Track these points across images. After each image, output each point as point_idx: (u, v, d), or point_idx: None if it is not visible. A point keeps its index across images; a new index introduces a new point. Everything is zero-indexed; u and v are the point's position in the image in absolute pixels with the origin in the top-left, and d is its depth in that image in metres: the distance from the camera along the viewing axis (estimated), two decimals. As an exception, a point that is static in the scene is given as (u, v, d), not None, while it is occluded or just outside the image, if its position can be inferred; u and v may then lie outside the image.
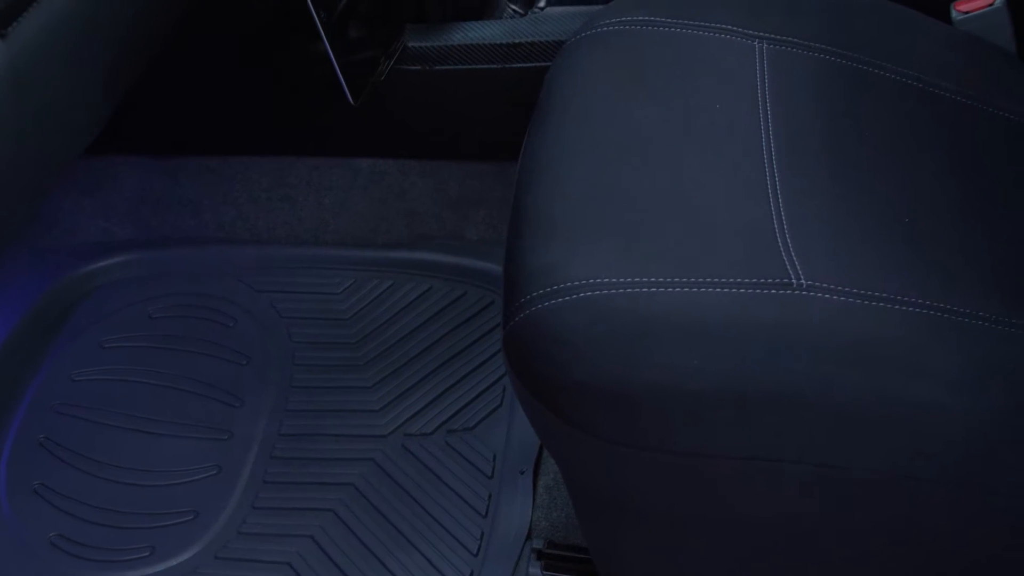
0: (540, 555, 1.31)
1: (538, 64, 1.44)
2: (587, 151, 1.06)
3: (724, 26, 1.20)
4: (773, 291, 0.89)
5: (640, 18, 1.22)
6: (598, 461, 0.94)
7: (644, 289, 0.89)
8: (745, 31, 1.19)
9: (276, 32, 1.57)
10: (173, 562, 1.36)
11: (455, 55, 1.47)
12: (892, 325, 0.89)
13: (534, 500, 1.35)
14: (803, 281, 0.90)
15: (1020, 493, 0.90)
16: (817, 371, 0.86)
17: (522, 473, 1.36)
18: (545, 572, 1.30)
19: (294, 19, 1.40)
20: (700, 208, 0.98)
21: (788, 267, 0.91)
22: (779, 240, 0.94)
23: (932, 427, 0.87)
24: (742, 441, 0.88)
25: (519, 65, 1.46)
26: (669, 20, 1.21)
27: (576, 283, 0.90)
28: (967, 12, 1.34)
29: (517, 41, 1.45)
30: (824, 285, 0.90)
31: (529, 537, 1.33)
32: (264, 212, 1.70)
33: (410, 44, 1.48)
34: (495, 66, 1.47)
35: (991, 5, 1.33)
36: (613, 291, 0.89)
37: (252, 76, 1.62)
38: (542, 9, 1.49)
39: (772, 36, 1.19)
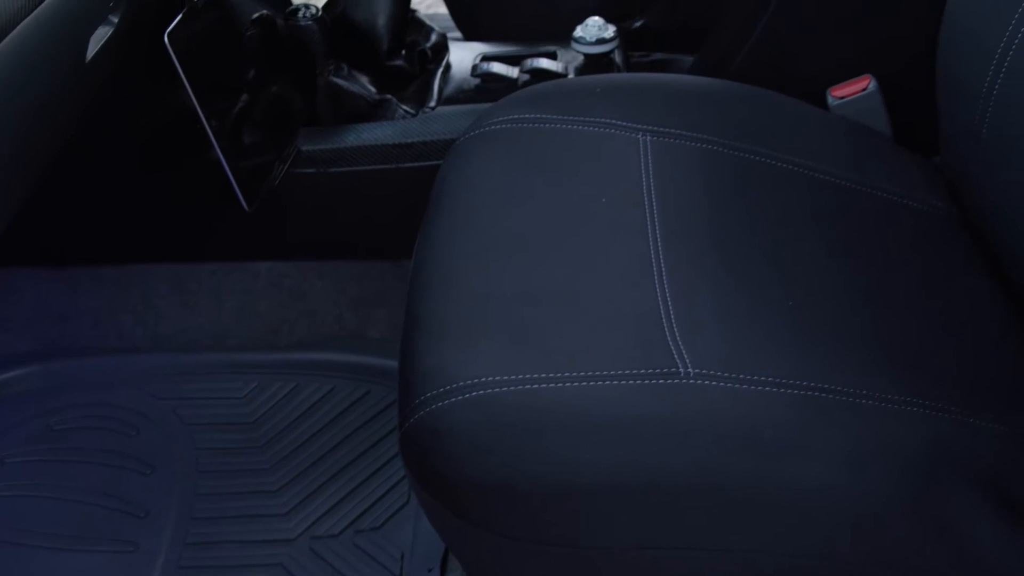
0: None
1: (430, 163, 1.46)
2: (477, 250, 1.08)
3: (608, 120, 1.23)
4: (661, 381, 0.91)
5: (527, 116, 1.25)
6: (497, 557, 0.94)
7: (534, 385, 0.90)
8: (629, 125, 1.23)
9: (171, 139, 1.57)
10: None
11: (349, 157, 1.49)
12: (778, 409, 0.90)
13: (443, 597, 1.35)
14: (690, 370, 0.92)
15: (913, 569, 0.91)
16: (706, 459, 0.87)
17: (429, 571, 1.35)
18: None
19: (188, 125, 1.40)
20: (589, 301, 0.99)
21: (676, 357, 0.93)
22: (666, 330, 0.96)
23: (822, 508, 0.88)
24: (637, 531, 0.89)
25: (412, 165, 1.48)
26: (555, 117, 1.24)
27: (468, 382, 0.91)
28: (842, 97, 1.39)
29: (409, 141, 1.47)
30: (711, 373, 0.92)
31: (440, 634, 1.33)
32: (164, 319, 1.69)
33: (304, 148, 1.50)
34: (388, 166, 1.48)
35: (865, 90, 1.38)
36: (504, 388, 0.90)
37: (148, 183, 1.62)
38: (433, 109, 1.51)
39: (655, 128, 1.22)
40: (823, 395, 0.92)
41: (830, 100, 1.39)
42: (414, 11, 1.62)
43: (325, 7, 1.57)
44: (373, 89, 1.53)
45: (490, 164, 1.20)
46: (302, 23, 1.48)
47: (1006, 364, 1.05)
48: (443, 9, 1.91)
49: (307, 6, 1.50)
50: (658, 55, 1.68)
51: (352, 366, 1.60)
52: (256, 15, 1.48)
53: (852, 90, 1.38)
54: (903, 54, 1.41)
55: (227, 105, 1.41)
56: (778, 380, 0.92)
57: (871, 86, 1.38)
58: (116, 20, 1.22)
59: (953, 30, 1.23)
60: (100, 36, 1.20)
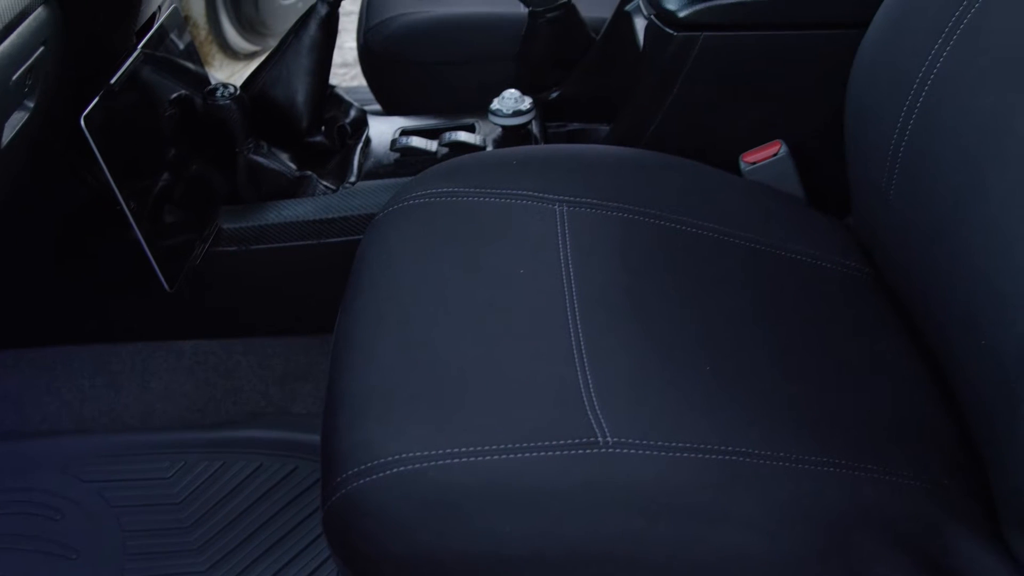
0: None
1: (351, 238, 1.47)
2: (397, 325, 1.08)
3: (525, 192, 1.24)
4: (580, 451, 0.91)
5: (445, 189, 1.26)
6: (424, 633, 0.94)
7: (455, 460, 0.91)
8: (545, 196, 1.24)
9: (90, 220, 1.57)
10: None
11: (270, 234, 1.49)
12: (696, 475, 0.92)
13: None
14: (609, 439, 0.92)
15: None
16: (627, 528, 0.88)
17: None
18: None
19: (107, 206, 1.40)
20: (508, 374, 1.00)
21: (594, 426, 0.94)
22: (585, 400, 0.97)
23: (744, 573, 0.89)
24: (562, 602, 0.89)
25: (333, 240, 1.49)
26: (472, 190, 1.25)
27: (388, 459, 0.91)
28: (754, 163, 1.41)
29: (330, 217, 1.48)
30: (630, 441, 0.92)
31: None
32: (88, 400, 1.67)
33: (225, 226, 1.50)
34: (310, 242, 1.49)
35: (776, 155, 1.41)
36: (425, 464, 0.90)
37: (69, 264, 1.62)
38: (353, 184, 1.52)
39: (571, 199, 1.24)
40: (741, 459, 0.93)
41: (743, 166, 1.42)
42: (333, 87, 1.64)
43: (244, 85, 1.58)
44: (293, 166, 1.53)
45: (409, 238, 1.21)
46: (220, 102, 1.48)
47: (921, 420, 1.07)
48: (363, 81, 1.94)
49: (225, 85, 1.51)
50: (575, 125, 1.70)
51: (279, 442, 1.59)
52: (174, 95, 1.49)
53: (763, 155, 1.41)
54: (812, 120, 1.44)
55: (147, 185, 1.41)
56: (696, 445, 0.93)
57: (782, 151, 1.41)
58: (31, 105, 1.22)
59: (858, 95, 1.27)
60: (15, 121, 1.20)
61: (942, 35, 1.13)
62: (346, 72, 2.95)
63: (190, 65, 1.56)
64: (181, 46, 1.54)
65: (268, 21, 2.54)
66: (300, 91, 1.55)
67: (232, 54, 2.56)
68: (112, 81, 1.33)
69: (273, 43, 2.00)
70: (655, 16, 1.40)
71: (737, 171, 1.42)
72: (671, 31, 1.39)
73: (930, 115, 1.13)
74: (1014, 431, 0.91)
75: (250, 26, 2.52)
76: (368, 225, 1.30)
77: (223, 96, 1.49)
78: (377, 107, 1.92)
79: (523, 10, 1.68)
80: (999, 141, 1.02)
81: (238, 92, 1.50)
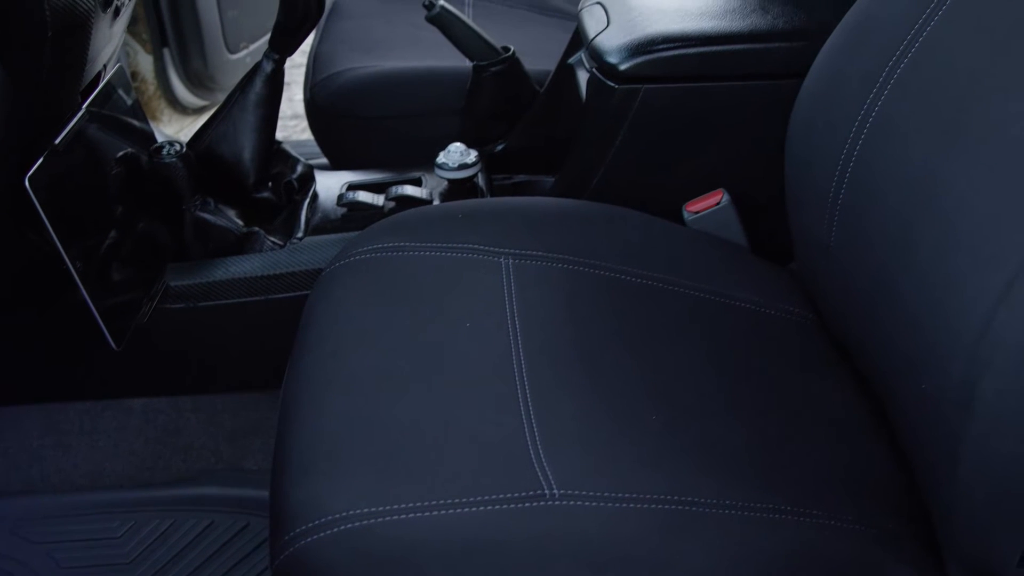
0: None
1: (298, 293, 1.47)
2: (345, 380, 1.08)
3: (471, 246, 1.25)
4: (528, 504, 0.92)
5: (391, 244, 1.27)
6: None
7: (402, 515, 0.91)
8: (491, 249, 1.25)
9: (37, 278, 1.56)
10: None
11: (218, 291, 1.49)
12: (643, 524, 0.92)
13: None
14: (555, 491, 0.93)
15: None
16: (574, 579, 0.89)
17: None
18: None
19: (53, 266, 1.40)
20: (454, 427, 1.01)
21: (541, 478, 0.94)
22: (531, 452, 0.97)
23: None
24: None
25: (281, 296, 1.49)
26: (418, 244, 1.26)
27: (336, 516, 0.91)
28: (697, 212, 1.43)
29: (277, 272, 1.48)
30: (576, 492, 0.93)
31: None
32: (37, 461, 1.66)
33: (172, 283, 1.50)
34: (258, 298, 1.49)
35: (718, 204, 1.43)
36: (372, 520, 0.91)
37: (14, 324, 1.61)
38: (300, 240, 1.52)
39: (517, 251, 1.25)
40: (688, 507, 0.94)
41: (686, 215, 1.44)
42: (279, 143, 1.64)
43: (190, 142, 1.58)
44: (240, 222, 1.54)
45: (356, 294, 1.21)
46: (167, 160, 1.49)
47: (865, 465, 1.09)
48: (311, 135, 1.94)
49: (171, 143, 1.51)
50: (521, 177, 1.72)
51: (230, 499, 1.58)
52: (120, 153, 1.49)
53: (706, 204, 1.43)
54: (753, 168, 1.46)
55: (93, 243, 1.41)
56: (643, 496, 0.94)
57: (724, 200, 1.43)
58: (-25, 166, 1.22)
59: (796, 145, 1.29)
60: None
61: (875, 87, 1.15)
62: (297, 124, 2.95)
63: (136, 123, 1.56)
64: (127, 104, 1.54)
65: (216, 76, 2.54)
66: (247, 147, 1.55)
67: (181, 109, 2.56)
68: (57, 141, 1.34)
69: (222, 97, 2.01)
70: (596, 70, 1.42)
71: (681, 220, 1.44)
72: (612, 84, 1.40)
73: (865, 166, 1.15)
74: (955, 476, 0.93)
75: (198, 81, 2.52)
76: (315, 281, 1.30)
77: (169, 154, 1.49)
78: (325, 161, 1.93)
79: (468, 64, 1.69)
80: (930, 192, 1.04)
81: (184, 150, 1.50)
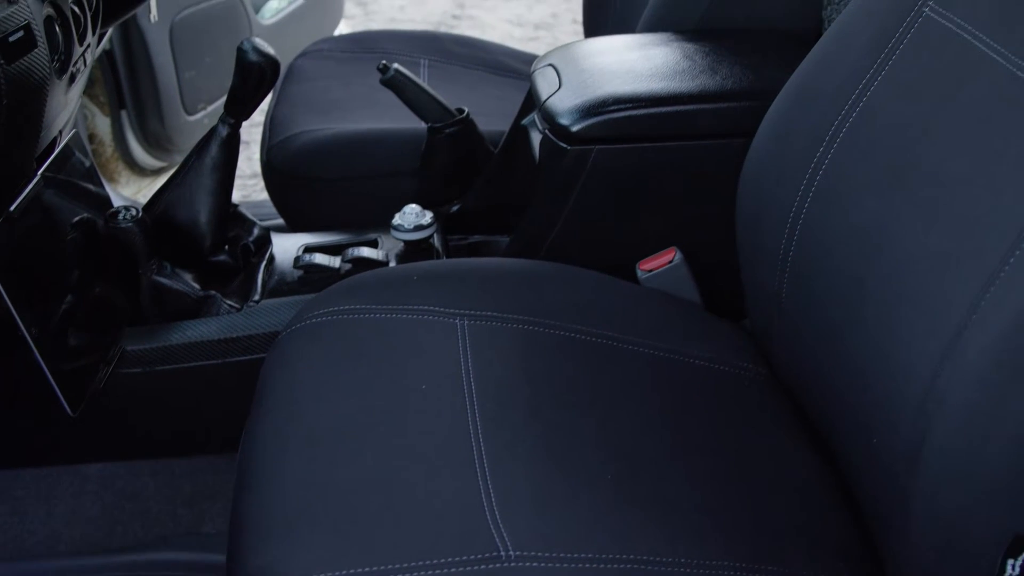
0: None
1: (255, 356, 1.48)
2: (301, 444, 1.09)
3: (426, 307, 1.26)
4: (484, 566, 0.92)
5: (347, 307, 1.27)
6: None
7: (358, 581, 0.91)
8: (446, 310, 1.26)
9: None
10: None
11: (175, 355, 1.49)
12: (598, 585, 0.93)
13: None
14: (511, 552, 0.94)
15: None
16: (530, 641, 0.89)
17: None
18: None
19: (9, 332, 1.39)
20: (410, 490, 1.01)
21: (497, 540, 0.95)
22: (487, 514, 0.98)
23: None
24: None
25: (238, 359, 1.49)
26: (374, 307, 1.27)
27: (293, 582, 0.92)
28: (651, 270, 1.45)
29: (234, 336, 1.49)
30: (532, 554, 0.94)
31: None
32: (-8, 528, 1.65)
33: (129, 348, 1.50)
34: (215, 362, 1.49)
35: (671, 262, 1.44)
36: (329, 586, 0.91)
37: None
38: (257, 303, 1.53)
39: (472, 312, 1.26)
40: (643, 566, 0.95)
41: (640, 274, 1.45)
42: (236, 205, 1.65)
43: (146, 207, 1.59)
44: (197, 285, 1.54)
45: (312, 357, 1.22)
46: (123, 225, 1.49)
47: (820, 520, 1.10)
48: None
49: (128, 208, 1.51)
50: (476, 237, 1.73)
51: (189, 564, 1.57)
52: (76, 219, 1.49)
53: (659, 263, 1.44)
54: (705, 226, 1.48)
55: (49, 309, 1.40)
56: (598, 555, 0.94)
57: (677, 258, 1.44)
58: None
59: (747, 203, 1.31)
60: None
61: (821, 145, 1.17)
62: (256, 183, 2.96)
63: (92, 188, 1.57)
64: (83, 168, 1.55)
65: (174, 137, 2.55)
66: (202, 211, 1.56)
67: (139, 170, 2.56)
68: (12, 208, 1.34)
69: (180, 158, 2.01)
70: (549, 131, 1.44)
71: (635, 279, 1.46)
72: (565, 145, 1.42)
73: (814, 223, 1.17)
74: (906, 529, 0.94)
75: (156, 142, 2.52)
76: (272, 344, 1.31)
77: (125, 219, 1.49)
78: (282, 222, 1.94)
79: (423, 125, 1.71)
80: (876, 248, 1.06)
81: (140, 214, 1.51)
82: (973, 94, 1.03)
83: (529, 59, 2.17)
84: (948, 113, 1.05)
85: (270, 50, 1.52)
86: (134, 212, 1.51)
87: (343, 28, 3.26)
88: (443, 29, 4.39)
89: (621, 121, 1.41)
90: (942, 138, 1.04)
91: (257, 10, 2.74)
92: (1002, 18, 1.03)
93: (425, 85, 1.70)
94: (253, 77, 1.51)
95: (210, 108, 2.60)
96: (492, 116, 1.83)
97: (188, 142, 2.46)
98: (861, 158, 1.13)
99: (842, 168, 1.15)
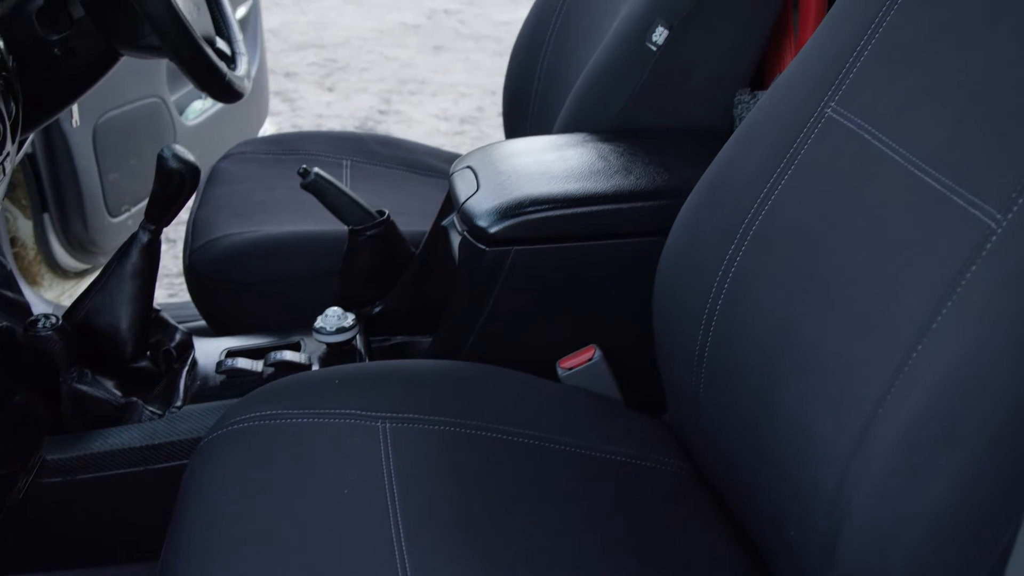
0: None
1: (178, 463, 1.47)
2: (222, 552, 1.08)
3: (348, 411, 1.27)
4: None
5: (268, 412, 1.28)
6: None
7: None
8: (368, 414, 1.27)
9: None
10: None
11: (96, 463, 1.48)
12: None
13: None
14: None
15: None
16: None
17: None
18: None
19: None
20: (332, 599, 1.01)
21: (418, 647, 0.95)
22: (409, 620, 0.98)
23: None
24: None
25: (160, 466, 1.48)
26: (296, 412, 1.27)
27: None
28: (571, 368, 1.46)
29: (156, 443, 1.48)
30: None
31: None
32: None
33: (49, 457, 1.48)
34: (137, 469, 1.48)
35: (591, 360, 1.46)
36: None
37: None
38: (179, 408, 1.52)
39: (394, 415, 1.27)
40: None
41: (560, 372, 1.47)
42: (157, 310, 1.65)
43: (66, 314, 1.58)
44: (118, 392, 1.53)
45: (234, 463, 1.22)
46: (42, 333, 1.48)
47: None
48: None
49: (47, 315, 1.51)
50: (399, 338, 1.74)
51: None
52: (-6, 328, 1.48)
53: (579, 361, 1.46)
54: (624, 323, 1.50)
55: (-34, 421, 1.39)
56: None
57: (596, 356, 1.46)
58: None
59: (662, 300, 1.33)
60: None
61: (733, 243, 1.20)
62: (183, 282, 2.95)
63: (11, 295, 1.56)
64: (2, 276, 1.54)
65: (98, 239, 2.54)
66: (123, 318, 1.55)
67: (62, 273, 2.55)
68: (-72, 320, 1.33)
69: (104, 260, 2.01)
70: (467, 232, 1.46)
71: (556, 377, 1.47)
72: (483, 247, 1.44)
73: (727, 319, 1.19)
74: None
75: (80, 245, 2.51)
76: (194, 450, 1.30)
77: (44, 327, 1.49)
78: (204, 323, 1.94)
79: (345, 227, 1.72)
80: (787, 343, 1.08)
81: (60, 322, 1.50)
82: (874, 191, 1.06)
83: (451, 158, 2.20)
84: (851, 210, 1.08)
85: (190, 157, 1.53)
86: (54, 320, 1.50)
87: (269, 126, 3.28)
88: (370, 124, 4.43)
89: (538, 222, 1.43)
90: (846, 235, 1.07)
91: (181, 111, 2.75)
92: (899, 117, 1.07)
93: (346, 188, 1.71)
94: (173, 184, 1.52)
95: (134, 209, 2.60)
96: (414, 216, 1.85)
97: (112, 244, 2.46)
98: (770, 256, 1.16)
99: (753, 266, 1.18)
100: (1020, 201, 0.91)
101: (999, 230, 0.91)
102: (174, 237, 3.22)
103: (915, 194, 1.01)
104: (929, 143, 1.02)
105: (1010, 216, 0.91)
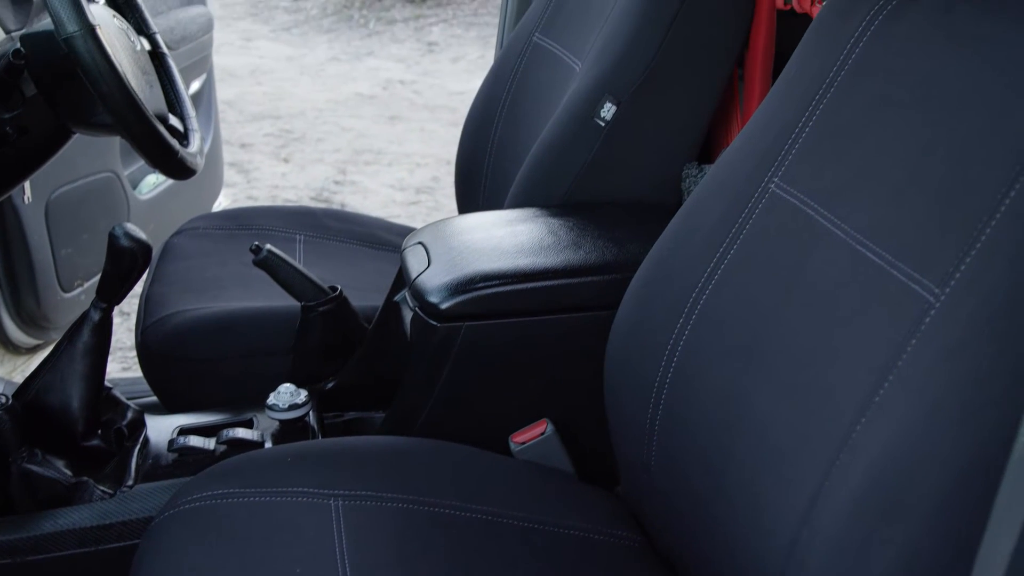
0: None
1: (129, 543, 1.45)
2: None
3: (300, 489, 1.27)
4: None
5: (221, 491, 1.27)
6: None
7: None
8: (320, 491, 1.27)
9: None
10: None
11: (46, 544, 1.46)
12: None
13: None
14: None
15: None
16: None
17: None
18: None
19: None
20: None
21: None
22: None
23: None
24: None
25: (112, 546, 1.47)
26: (249, 490, 1.27)
27: None
28: (523, 442, 1.47)
29: (107, 523, 1.46)
30: None
31: None
32: None
33: (-1, 539, 1.47)
34: (88, 550, 1.46)
35: (543, 434, 1.47)
36: None
37: None
38: (131, 487, 1.51)
39: (346, 493, 1.27)
40: None
41: (512, 446, 1.47)
42: (109, 388, 1.64)
43: (17, 393, 1.57)
44: (69, 472, 1.52)
45: (185, 544, 1.21)
46: (-9, 413, 1.47)
47: None
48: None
49: (-4, 395, 1.50)
50: (351, 414, 1.74)
51: None
52: (-58, 405, 1.47)
53: (531, 435, 1.47)
54: (575, 397, 1.51)
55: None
56: None
57: (548, 430, 1.47)
58: None
59: (613, 373, 1.34)
60: None
61: (681, 316, 1.22)
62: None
63: (-40, 373, 1.55)
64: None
65: (50, 315, 2.52)
66: (75, 396, 1.55)
67: (13, 349, 2.53)
68: None
69: (57, 336, 1.99)
70: (419, 309, 1.46)
71: (508, 452, 1.48)
72: (435, 323, 1.45)
73: (678, 392, 1.20)
74: None
75: (31, 320, 2.50)
76: (146, 530, 1.29)
77: (-6, 407, 1.48)
78: (156, 400, 1.93)
79: (297, 304, 1.73)
80: (735, 415, 1.10)
81: (10, 401, 1.49)
82: (818, 266, 1.08)
83: (404, 231, 2.22)
84: (796, 285, 1.10)
85: (141, 235, 1.53)
86: (3, 400, 1.49)
87: (223, 198, 3.28)
88: (325, 195, 4.44)
89: (489, 298, 1.44)
90: (791, 309, 1.09)
91: (135, 185, 2.75)
92: (841, 193, 1.09)
93: (298, 265, 1.72)
94: (125, 262, 1.52)
95: (87, 284, 2.59)
96: (367, 291, 1.85)
97: (65, 319, 2.45)
98: (718, 330, 1.17)
99: (701, 340, 1.19)
100: (957, 276, 0.93)
101: (938, 304, 0.93)
102: (128, 310, 3.21)
103: (857, 269, 1.03)
104: (870, 219, 1.04)
105: (948, 291, 0.93)
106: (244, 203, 4.31)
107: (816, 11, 1.62)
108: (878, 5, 1.15)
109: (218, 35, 3.25)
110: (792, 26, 1.64)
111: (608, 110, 1.68)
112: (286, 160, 4.84)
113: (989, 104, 0.97)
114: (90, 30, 1.35)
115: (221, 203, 3.22)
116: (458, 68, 6.62)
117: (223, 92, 5.44)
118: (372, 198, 4.44)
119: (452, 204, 2.19)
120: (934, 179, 0.99)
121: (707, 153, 1.83)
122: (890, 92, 1.09)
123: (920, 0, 1.11)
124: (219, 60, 3.69)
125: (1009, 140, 0.94)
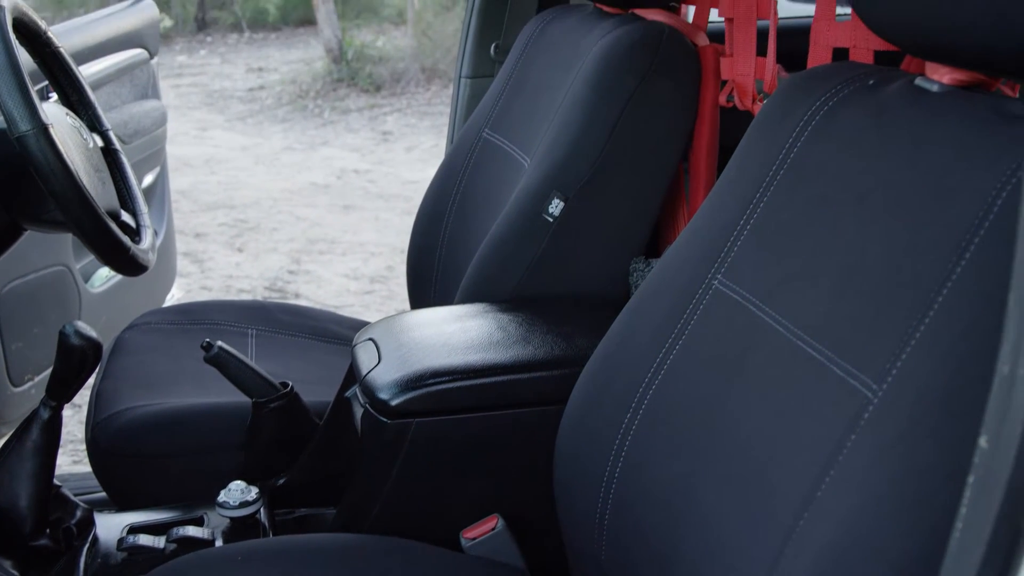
0: None
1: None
2: None
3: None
4: None
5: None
6: None
7: None
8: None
9: None
10: None
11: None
12: None
13: None
14: None
15: None
16: None
17: None
18: None
19: None
20: None
21: None
22: None
23: None
24: None
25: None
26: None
27: None
28: (474, 538, 1.47)
29: None
30: None
31: None
32: None
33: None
34: None
35: (494, 529, 1.47)
36: None
37: None
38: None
39: None
40: None
41: (463, 542, 1.47)
42: (58, 486, 1.63)
43: (-37, 491, 1.56)
44: (16, 572, 1.51)
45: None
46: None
47: None
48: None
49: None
50: (303, 510, 1.73)
51: None
52: None
53: (482, 531, 1.47)
54: (527, 492, 1.52)
55: None
56: None
57: (499, 525, 1.47)
58: None
59: (563, 468, 1.35)
60: None
61: (629, 410, 1.23)
62: (86, 450, 2.91)
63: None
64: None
65: (0, 409, 2.50)
66: (23, 495, 1.54)
67: (-39, 443, 2.50)
68: None
69: (7, 430, 1.98)
70: (369, 405, 1.47)
71: (459, 548, 1.47)
72: (385, 419, 1.45)
73: (626, 486, 1.21)
74: None
75: (-22, 414, 2.48)
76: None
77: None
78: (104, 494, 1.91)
79: (248, 400, 1.72)
80: (684, 509, 1.11)
81: (-44, 501, 1.49)
82: (760, 361, 1.10)
83: (356, 324, 2.22)
84: (739, 379, 1.11)
85: (92, 333, 1.54)
86: (-53, 497, 1.48)
87: (177, 289, 3.27)
88: (279, 284, 4.45)
89: (439, 394, 1.45)
90: (735, 404, 1.10)
91: (87, 278, 2.75)
92: (780, 290, 1.12)
93: (249, 361, 1.72)
94: (75, 360, 1.52)
95: (37, 379, 2.57)
96: (318, 385, 1.86)
97: (15, 414, 2.42)
98: (665, 424, 1.19)
99: (648, 434, 1.21)
100: (894, 372, 0.95)
101: (875, 400, 0.95)
102: (79, 402, 3.18)
103: (798, 364, 1.05)
104: (809, 316, 1.07)
105: (885, 386, 0.95)
106: (198, 293, 4.31)
107: (757, 109, 1.66)
108: (815, 106, 1.18)
109: (173, 125, 3.27)
110: (737, 119, 1.68)
111: (556, 206, 1.71)
112: (240, 250, 4.85)
113: (919, 205, 1.00)
114: (43, 129, 1.36)
115: (174, 295, 3.21)
116: (412, 157, 6.68)
117: (178, 182, 5.46)
118: (326, 287, 4.45)
119: (406, 293, 2.20)
120: (870, 277, 1.02)
121: (654, 247, 1.86)
122: (827, 192, 1.12)
123: (853, 103, 1.15)
124: (174, 150, 3.71)
125: (939, 240, 0.96)
